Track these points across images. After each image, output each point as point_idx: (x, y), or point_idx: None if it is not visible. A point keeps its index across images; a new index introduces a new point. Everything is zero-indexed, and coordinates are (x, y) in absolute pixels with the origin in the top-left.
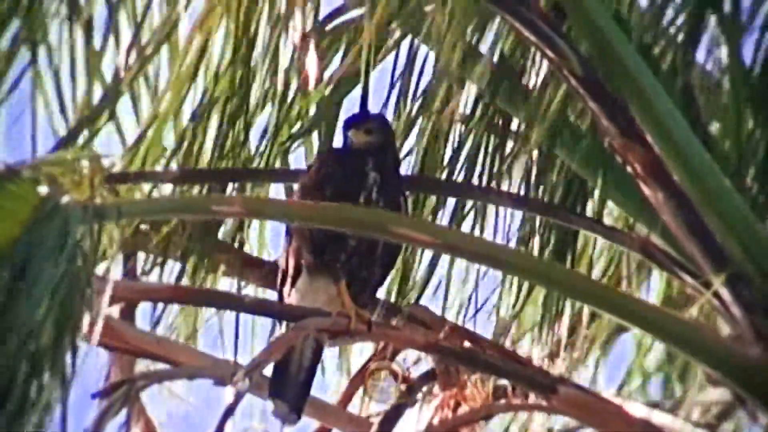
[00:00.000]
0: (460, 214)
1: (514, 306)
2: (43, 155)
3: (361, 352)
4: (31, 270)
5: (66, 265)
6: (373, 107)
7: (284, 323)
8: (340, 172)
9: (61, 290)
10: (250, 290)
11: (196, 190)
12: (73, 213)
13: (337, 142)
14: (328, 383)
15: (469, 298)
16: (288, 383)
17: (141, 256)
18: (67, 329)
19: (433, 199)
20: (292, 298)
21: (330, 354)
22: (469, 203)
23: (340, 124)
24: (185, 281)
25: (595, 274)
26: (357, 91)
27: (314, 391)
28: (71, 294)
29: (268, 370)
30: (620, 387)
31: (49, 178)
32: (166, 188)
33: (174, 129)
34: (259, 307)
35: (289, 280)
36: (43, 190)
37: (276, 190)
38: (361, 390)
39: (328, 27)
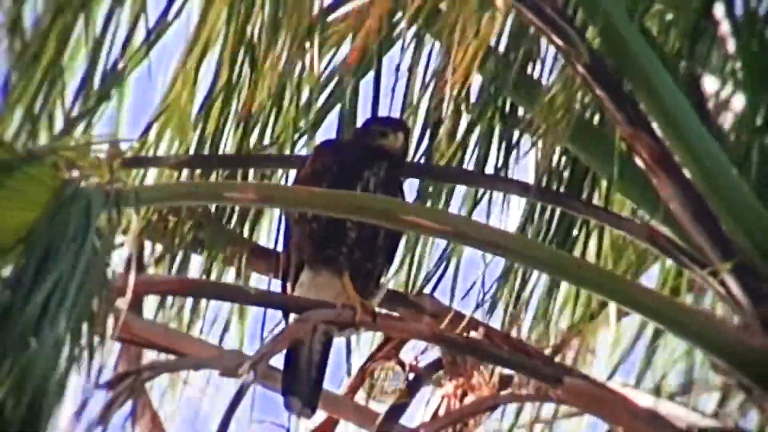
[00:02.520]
0: (470, 203)
1: (520, 295)
2: (60, 139)
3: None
4: (54, 254)
5: (89, 249)
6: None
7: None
8: (342, 165)
9: (84, 276)
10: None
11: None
12: (95, 197)
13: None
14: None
15: (476, 287)
16: (300, 378)
17: (147, 245)
18: (87, 316)
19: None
20: (296, 293)
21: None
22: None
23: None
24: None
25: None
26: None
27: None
28: (93, 280)
29: (279, 364)
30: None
31: (68, 161)
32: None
33: (183, 115)
34: (265, 299)
35: (291, 276)
36: (62, 174)
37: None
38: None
39: (334, 15)
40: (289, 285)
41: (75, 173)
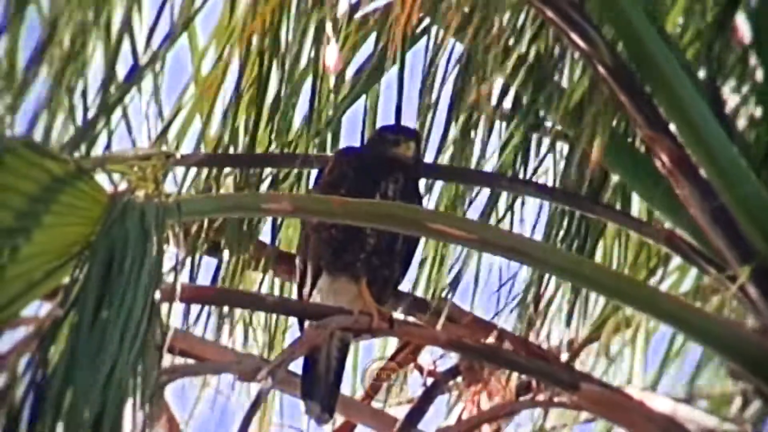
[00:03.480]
0: (491, 205)
1: (539, 300)
2: (108, 152)
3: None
4: (116, 268)
5: (149, 263)
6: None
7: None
8: (359, 173)
9: (149, 288)
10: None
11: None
12: (148, 210)
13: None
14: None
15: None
16: (318, 383)
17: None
18: (152, 326)
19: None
20: (313, 299)
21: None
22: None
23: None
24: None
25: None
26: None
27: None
28: (155, 291)
29: (298, 370)
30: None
31: (115, 174)
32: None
33: (204, 113)
34: (282, 307)
35: (309, 282)
36: (109, 187)
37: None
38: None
39: (358, 14)
40: (306, 290)
41: (122, 186)
